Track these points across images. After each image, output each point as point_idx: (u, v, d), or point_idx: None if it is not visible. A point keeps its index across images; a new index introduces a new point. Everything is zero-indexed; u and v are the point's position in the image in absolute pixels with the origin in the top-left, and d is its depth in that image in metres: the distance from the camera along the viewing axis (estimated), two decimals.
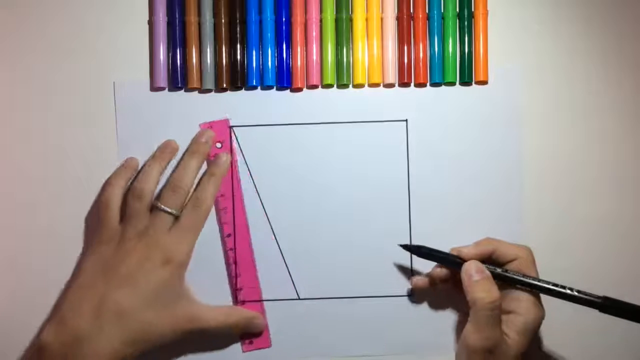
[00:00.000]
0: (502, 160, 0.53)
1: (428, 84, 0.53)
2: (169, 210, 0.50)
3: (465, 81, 0.53)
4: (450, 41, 0.52)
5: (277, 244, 0.53)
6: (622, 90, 0.54)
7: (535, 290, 0.47)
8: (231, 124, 0.53)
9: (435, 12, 0.52)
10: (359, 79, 0.52)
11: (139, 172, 0.51)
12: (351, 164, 0.53)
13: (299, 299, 0.52)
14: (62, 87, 0.52)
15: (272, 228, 0.53)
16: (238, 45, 0.52)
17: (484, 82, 0.53)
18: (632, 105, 0.54)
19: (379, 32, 0.52)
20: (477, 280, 0.47)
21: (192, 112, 0.53)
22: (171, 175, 0.51)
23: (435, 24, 0.52)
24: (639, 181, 0.54)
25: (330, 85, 0.53)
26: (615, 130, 0.54)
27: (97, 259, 0.49)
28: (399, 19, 0.53)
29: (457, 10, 0.53)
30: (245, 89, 0.53)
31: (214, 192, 0.52)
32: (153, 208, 0.50)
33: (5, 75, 0.52)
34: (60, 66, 0.52)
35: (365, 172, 0.53)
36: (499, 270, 0.48)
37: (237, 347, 0.52)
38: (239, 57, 0.52)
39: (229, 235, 0.52)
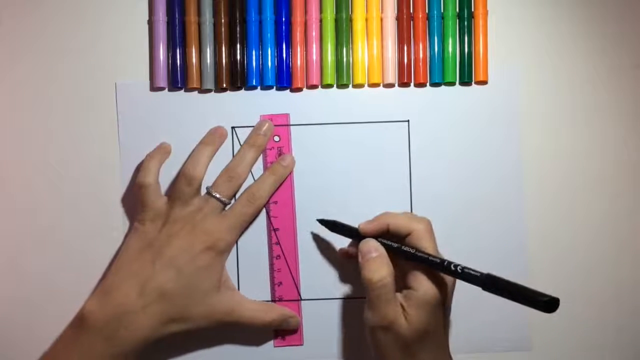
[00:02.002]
0: (502, 160, 0.53)
1: (428, 84, 0.53)
2: (222, 198, 0.50)
3: (465, 81, 0.53)
4: (450, 41, 0.52)
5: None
6: (622, 90, 0.54)
7: (425, 265, 0.45)
8: (233, 125, 0.53)
9: (435, 12, 0.52)
10: (358, 79, 0.52)
11: (189, 156, 0.51)
12: (352, 164, 0.53)
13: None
14: (62, 87, 0.52)
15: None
16: (238, 45, 0.52)
17: (484, 82, 0.53)
18: (632, 105, 0.54)
19: (378, 32, 0.52)
20: (367, 259, 0.47)
21: (192, 112, 0.53)
22: (228, 164, 0.52)
23: (435, 24, 0.52)
24: (639, 181, 0.54)
25: (330, 86, 0.53)
26: (615, 130, 0.54)
27: (143, 237, 0.49)
28: (398, 19, 0.53)
29: (457, 10, 0.53)
30: (245, 89, 0.53)
31: (271, 191, 0.52)
32: (204, 193, 0.51)
33: (6, 76, 0.52)
34: (61, 66, 0.52)
35: (366, 172, 0.53)
36: (395, 245, 0.47)
37: (269, 341, 0.53)
38: (238, 57, 0.52)
39: (276, 229, 0.53)
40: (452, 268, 0.42)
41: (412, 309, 0.45)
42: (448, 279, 0.46)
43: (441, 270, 0.44)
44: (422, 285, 0.45)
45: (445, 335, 0.47)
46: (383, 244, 0.47)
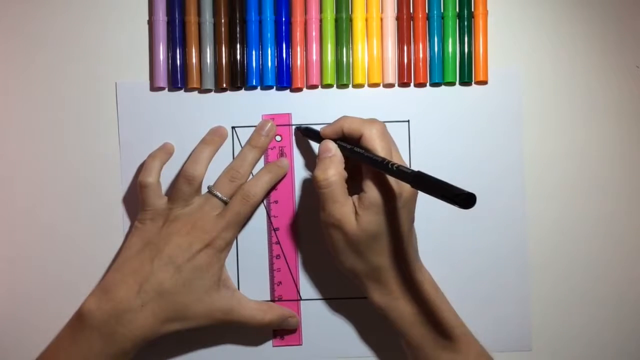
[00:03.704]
0: (502, 160, 0.53)
1: (428, 84, 0.53)
2: (223, 198, 0.50)
3: (465, 81, 0.53)
4: (450, 41, 0.52)
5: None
6: (622, 90, 0.54)
7: (369, 164, 0.46)
8: (233, 125, 0.53)
9: (435, 12, 0.52)
10: (358, 79, 0.52)
11: (190, 155, 0.52)
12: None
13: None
14: (62, 87, 0.52)
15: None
16: (238, 45, 0.52)
17: (484, 82, 0.53)
18: (632, 105, 0.54)
19: (378, 32, 0.52)
20: (320, 159, 0.48)
21: (192, 112, 0.53)
22: (231, 164, 0.52)
23: (435, 24, 0.52)
24: (638, 180, 0.54)
25: (330, 85, 0.53)
26: (614, 129, 0.54)
27: (143, 236, 0.50)
28: (398, 19, 0.53)
29: (457, 10, 0.53)
30: (245, 89, 0.53)
31: (266, 190, 0.52)
32: (206, 192, 0.51)
33: (7, 77, 0.52)
34: (61, 66, 0.52)
35: None
36: (348, 147, 0.47)
37: (268, 340, 0.53)
38: (238, 57, 0.52)
39: (276, 228, 0.53)
40: (390, 166, 0.43)
41: (362, 210, 0.46)
42: (405, 186, 0.46)
43: (381, 168, 0.44)
44: (371, 188, 0.46)
45: (402, 242, 0.47)
46: (340, 146, 0.48)
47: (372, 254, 0.46)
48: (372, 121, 0.48)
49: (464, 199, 0.37)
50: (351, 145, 0.47)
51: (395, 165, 0.43)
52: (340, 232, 0.46)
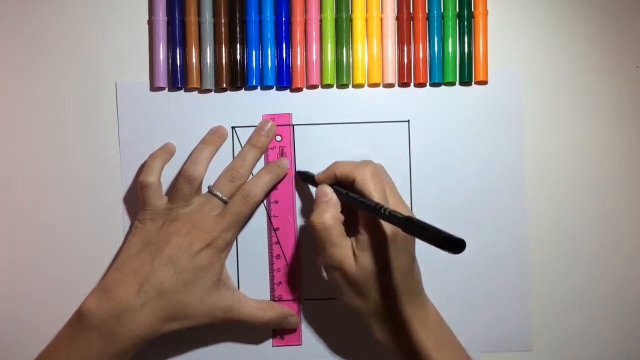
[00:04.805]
0: (502, 160, 0.53)
1: (428, 84, 0.53)
2: (224, 197, 0.50)
3: (465, 81, 0.53)
4: (450, 41, 0.52)
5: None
6: (622, 90, 0.54)
7: (363, 209, 0.46)
8: (233, 125, 0.53)
9: (435, 12, 0.52)
10: (358, 79, 0.52)
11: (190, 155, 0.52)
12: None
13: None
14: (62, 87, 0.52)
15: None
16: (238, 45, 0.52)
17: (484, 82, 0.53)
18: (632, 105, 0.54)
19: (378, 32, 0.52)
20: (317, 204, 0.48)
21: (192, 112, 0.53)
22: (230, 164, 0.52)
23: (435, 24, 0.52)
24: (638, 180, 0.54)
25: (330, 86, 0.53)
26: (614, 129, 0.54)
27: (143, 235, 0.50)
28: (398, 19, 0.53)
29: (457, 10, 0.53)
30: (245, 89, 0.53)
31: (266, 189, 0.52)
32: (206, 192, 0.51)
33: (7, 77, 0.52)
34: (61, 66, 0.52)
35: None
36: (343, 192, 0.48)
37: (267, 340, 0.53)
38: (238, 57, 0.52)
39: (276, 228, 0.53)
40: (382, 211, 0.43)
41: (359, 251, 0.46)
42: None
43: (374, 213, 0.44)
44: (368, 230, 0.46)
45: (403, 279, 0.47)
46: (335, 191, 0.48)
47: (373, 293, 0.46)
48: (364, 164, 0.49)
49: (454, 244, 0.37)
50: (346, 189, 0.48)
51: (388, 210, 0.43)
52: (340, 274, 0.47)
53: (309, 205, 0.53)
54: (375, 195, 0.46)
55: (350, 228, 0.48)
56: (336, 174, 0.49)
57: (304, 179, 0.52)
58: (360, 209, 0.46)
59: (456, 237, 0.37)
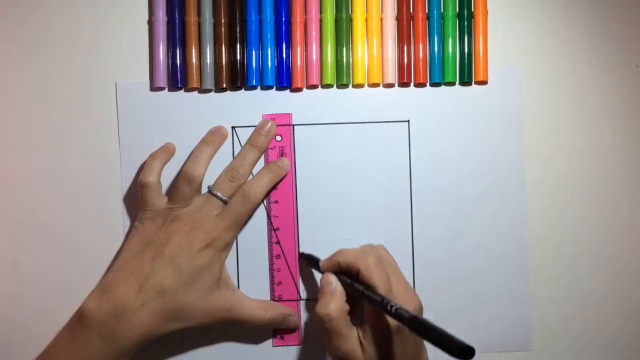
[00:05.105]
0: (502, 160, 0.53)
1: (428, 84, 0.53)
2: (223, 197, 0.50)
3: (465, 81, 0.53)
4: (450, 41, 0.52)
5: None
6: (622, 91, 0.54)
7: (368, 302, 0.46)
8: (233, 125, 0.53)
9: (435, 12, 0.52)
10: (358, 79, 0.52)
11: (190, 155, 0.52)
12: (352, 164, 0.53)
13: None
14: (63, 87, 0.52)
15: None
16: (238, 45, 0.52)
17: (484, 82, 0.53)
18: (632, 105, 0.54)
19: (378, 32, 0.52)
20: (321, 294, 0.47)
21: (192, 112, 0.53)
22: (230, 164, 0.52)
23: (435, 24, 0.52)
24: (638, 181, 0.54)
25: (330, 85, 0.53)
26: (614, 129, 0.54)
27: (143, 235, 0.50)
28: (398, 19, 0.53)
29: (457, 10, 0.53)
30: (245, 89, 0.53)
31: (266, 190, 0.52)
32: (206, 192, 0.51)
33: (7, 77, 0.52)
34: (61, 66, 0.52)
35: (366, 173, 0.53)
36: (348, 281, 0.47)
37: (267, 340, 0.53)
38: (238, 57, 0.52)
39: (276, 228, 0.53)
40: (389, 308, 0.43)
41: (366, 342, 0.45)
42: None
43: (380, 308, 0.44)
44: (374, 323, 0.45)
45: None
46: (340, 280, 0.48)
47: None
48: (367, 251, 0.48)
49: (462, 351, 0.36)
50: (350, 279, 0.47)
51: (395, 307, 0.42)
52: None
53: (309, 205, 0.53)
54: (381, 287, 0.45)
55: (356, 315, 0.47)
56: (340, 264, 0.48)
57: (308, 263, 0.52)
58: (366, 302, 0.46)
59: (465, 344, 0.36)
